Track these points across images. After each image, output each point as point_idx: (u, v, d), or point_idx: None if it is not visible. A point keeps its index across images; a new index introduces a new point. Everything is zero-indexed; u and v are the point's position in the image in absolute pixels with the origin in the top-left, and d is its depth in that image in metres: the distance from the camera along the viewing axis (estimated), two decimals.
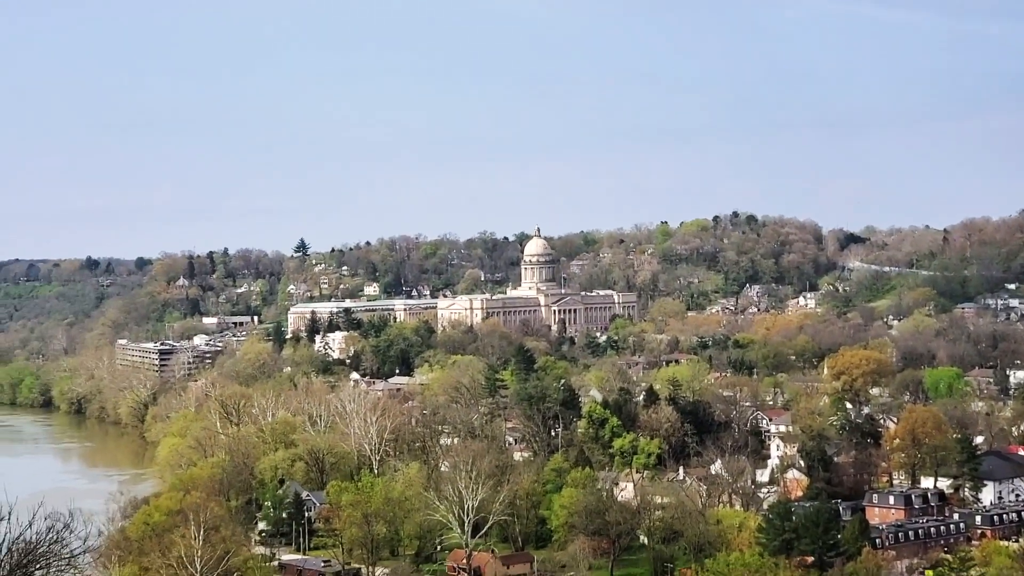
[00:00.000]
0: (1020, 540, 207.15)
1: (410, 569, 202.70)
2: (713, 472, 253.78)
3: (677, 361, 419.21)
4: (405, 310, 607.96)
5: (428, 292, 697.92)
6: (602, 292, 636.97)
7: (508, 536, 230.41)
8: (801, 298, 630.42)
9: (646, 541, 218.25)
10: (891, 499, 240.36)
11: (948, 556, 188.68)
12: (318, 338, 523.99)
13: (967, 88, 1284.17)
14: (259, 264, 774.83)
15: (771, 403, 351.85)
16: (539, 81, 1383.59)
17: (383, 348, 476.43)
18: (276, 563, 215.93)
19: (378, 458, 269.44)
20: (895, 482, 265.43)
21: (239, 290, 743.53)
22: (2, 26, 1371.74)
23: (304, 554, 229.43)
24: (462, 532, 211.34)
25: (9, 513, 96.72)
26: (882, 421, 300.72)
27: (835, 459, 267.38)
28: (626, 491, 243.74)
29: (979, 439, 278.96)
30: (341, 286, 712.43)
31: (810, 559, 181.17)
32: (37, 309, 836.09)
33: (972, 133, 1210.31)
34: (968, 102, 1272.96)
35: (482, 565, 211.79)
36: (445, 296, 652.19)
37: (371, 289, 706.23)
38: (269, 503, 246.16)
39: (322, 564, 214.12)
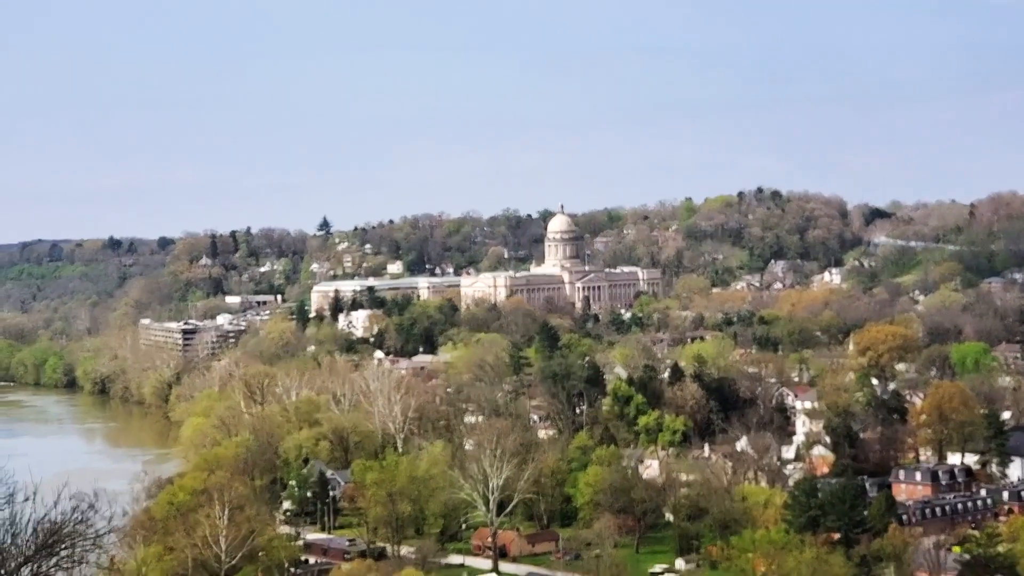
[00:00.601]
0: None
1: (435, 548, 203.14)
2: (739, 449, 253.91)
3: (702, 338, 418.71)
4: (428, 288, 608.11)
5: (451, 270, 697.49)
6: (626, 269, 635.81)
7: (533, 514, 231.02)
8: (826, 274, 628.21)
9: (672, 518, 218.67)
10: (918, 475, 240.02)
11: (975, 532, 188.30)
12: (341, 316, 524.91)
13: (994, 60, 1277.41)
14: (282, 243, 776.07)
15: (796, 379, 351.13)
16: (563, 57, 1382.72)
17: (407, 326, 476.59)
18: (301, 542, 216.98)
19: (402, 437, 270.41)
20: (922, 458, 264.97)
21: (262, 269, 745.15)
22: (23, 2, 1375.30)
23: (329, 533, 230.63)
24: (487, 511, 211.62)
25: (34, 493, 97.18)
26: (908, 397, 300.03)
27: (861, 435, 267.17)
28: (651, 469, 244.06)
29: (1006, 415, 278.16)
30: (364, 264, 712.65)
31: (836, 536, 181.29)
32: (60, 289, 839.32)
33: (1000, 106, 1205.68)
34: (995, 74, 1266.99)
35: (507, 543, 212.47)
36: (468, 274, 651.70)
37: (394, 267, 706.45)
38: (294, 482, 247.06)
39: (347, 543, 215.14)
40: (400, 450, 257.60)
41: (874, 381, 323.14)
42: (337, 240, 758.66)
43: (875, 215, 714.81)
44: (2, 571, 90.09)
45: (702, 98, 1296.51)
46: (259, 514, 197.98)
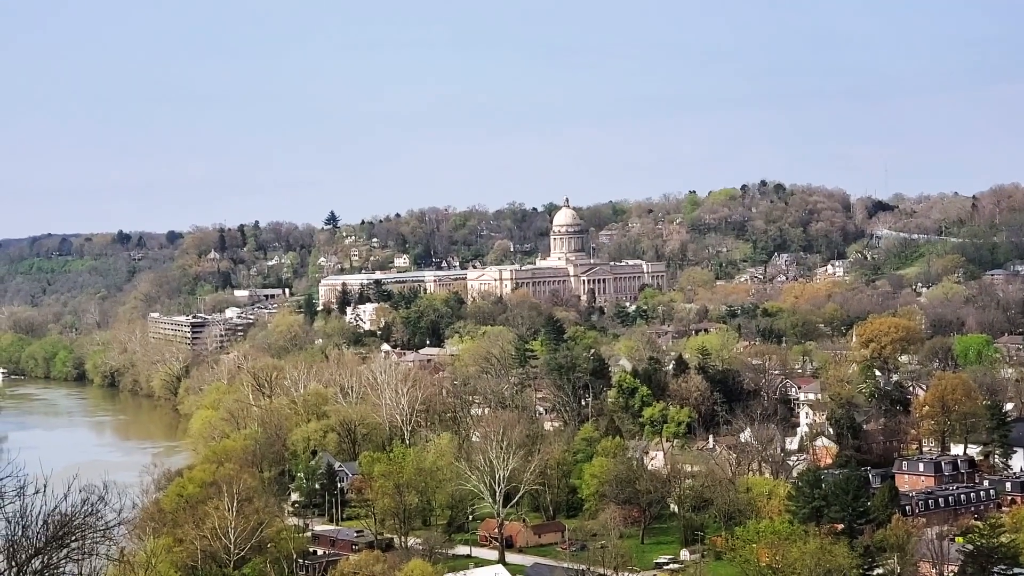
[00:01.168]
0: None
1: (442, 539, 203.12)
2: (742, 440, 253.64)
3: (706, 330, 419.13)
4: (435, 281, 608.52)
5: (458, 263, 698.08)
6: (631, 262, 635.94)
7: (539, 505, 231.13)
8: (829, 266, 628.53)
9: (676, 509, 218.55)
10: (921, 466, 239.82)
11: (978, 523, 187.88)
12: (349, 310, 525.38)
13: (997, 53, 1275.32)
14: (289, 237, 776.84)
15: (800, 371, 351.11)
16: (568, 51, 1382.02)
17: (413, 319, 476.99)
18: (309, 534, 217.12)
19: (409, 429, 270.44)
20: (924, 449, 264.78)
21: (270, 263, 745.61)
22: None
23: (337, 525, 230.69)
24: (493, 502, 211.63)
25: (45, 486, 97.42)
26: (911, 388, 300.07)
27: (864, 427, 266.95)
28: (656, 460, 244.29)
29: (1009, 406, 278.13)
30: (371, 258, 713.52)
31: (840, 526, 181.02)
32: (70, 283, 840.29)
33: (1002, 98, 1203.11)
34: (998, 67, 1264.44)
35: (513, 534, 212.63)
36: (475, 267, 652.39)
37: (401, 261, 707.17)
38: (302, 474, 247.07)
39: (355, 534, 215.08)
40: (407, 442, 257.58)
41: (877, 373, 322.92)
42: (344, 234, 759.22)
43: (878, 208, 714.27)
44: (14, 562, 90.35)
45: (706, 92, 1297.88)
46: (267, 506, 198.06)
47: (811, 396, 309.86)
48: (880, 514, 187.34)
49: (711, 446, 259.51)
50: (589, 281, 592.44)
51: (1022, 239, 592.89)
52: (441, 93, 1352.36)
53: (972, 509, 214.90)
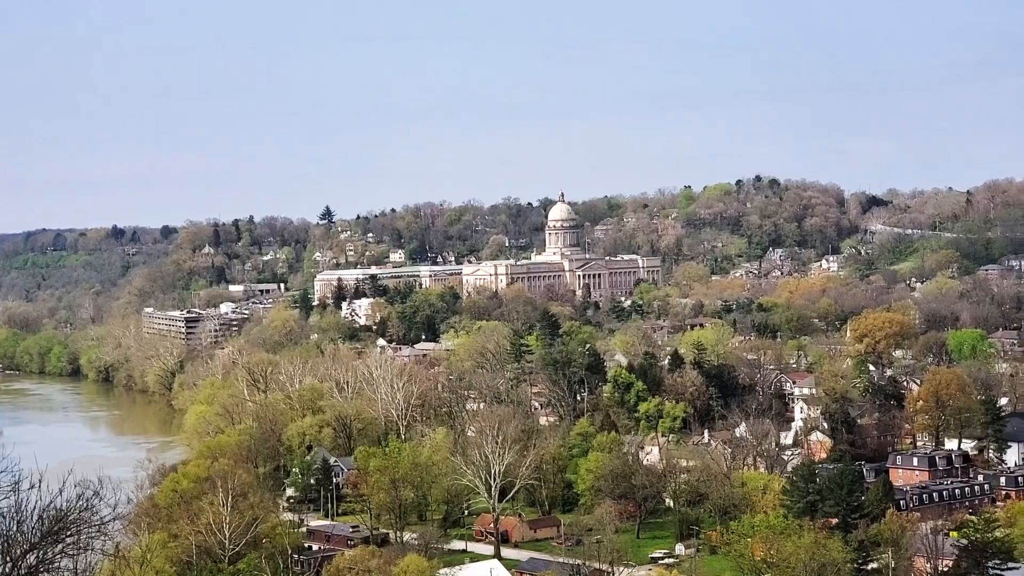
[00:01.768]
0: None
1: (438, 534, 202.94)
2: (738, 435, 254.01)
3: (701, 325, 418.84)
4: (430, 276, 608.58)
5: (453, 258, 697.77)
6: (626, 257, 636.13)
7: (535, 500, 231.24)
8: (824, 261, 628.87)
9: (672, 504, 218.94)
10: (915, 461, 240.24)
11: (973, 517, 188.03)
12: (344, 305, 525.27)
13: (990, 49, 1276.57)
14: (284, 232, 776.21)
15: (795, 366, 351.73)
16: (563, 44, 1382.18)
17: (409, 314, 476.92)
18: (304, 529, 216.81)
19: (405, 424, 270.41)
20: (919, 444, 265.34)
21: (265, 258, 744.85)
22: None
23: (332, 520, 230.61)
24: (489, 497, 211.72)
25: (40, 481, 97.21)
26: (905, 383, 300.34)
27: (858, 421, 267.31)
28: (652, 455, 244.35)
29: (1003, 400, 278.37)
30: (367, 253, 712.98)
31: (834, 521, 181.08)
32: (64, 278, 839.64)
33: (996, 93, 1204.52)
34: (993, 62, 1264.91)
35: (509, 529, 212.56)
36: (470, 262, 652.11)
37: (396, 256, 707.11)
38: (297, 469, 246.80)
39: (350, 530, 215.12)
40: (403, 437, 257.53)
41: (871, 367, 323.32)
42: (340, 229, 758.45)
43: (872, 203, 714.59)
44: (8, 557, 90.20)
45: (702, 87, 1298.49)
46: (262, 501, 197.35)
47: (805, 391, 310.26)
48: (874, 509, 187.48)
49: (706, 441, 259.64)
50: (584, 276, 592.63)
51: (1016, 234, 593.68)
52: (436, 87, 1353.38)
53: (966, 504, 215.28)
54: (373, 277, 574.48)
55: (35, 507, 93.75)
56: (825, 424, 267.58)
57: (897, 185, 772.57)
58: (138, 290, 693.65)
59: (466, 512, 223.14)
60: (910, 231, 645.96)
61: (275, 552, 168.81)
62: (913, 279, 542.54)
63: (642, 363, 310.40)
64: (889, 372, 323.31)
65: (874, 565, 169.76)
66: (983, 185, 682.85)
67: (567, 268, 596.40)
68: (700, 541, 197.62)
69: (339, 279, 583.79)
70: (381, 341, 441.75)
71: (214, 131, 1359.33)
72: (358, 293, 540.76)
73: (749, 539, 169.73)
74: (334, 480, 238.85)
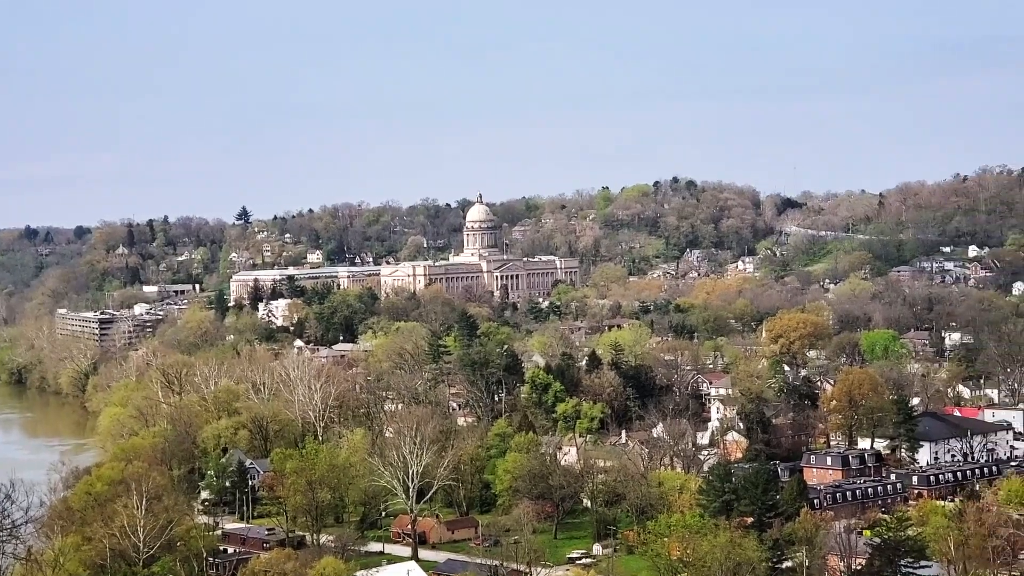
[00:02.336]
0: (956, 500, 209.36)
1: (355, 536, 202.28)
2: (655, 435, 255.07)
3: (619, 326, 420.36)
4: (348, 277, 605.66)
5: (371, 259, 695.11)
6: (544, 258, 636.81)
7: (452, 501, 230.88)
8: (740, 263, 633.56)
9: (589, 504, 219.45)
10: (828, 460, 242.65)
11: (885, 516, 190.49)
12: (261, 306, 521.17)
13: (903, 56, 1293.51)
14: (200, 232, 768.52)
15: (711, 366, 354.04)
16: (479, 46, 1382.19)
17: (326, 315, 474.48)
18: (219, 532, 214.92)
19: (322, 425, 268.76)
20: (832, 443, 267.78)
21: (180, 258, 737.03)
22: None
23: (248, 522, 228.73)
24: (407, 498, 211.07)
25: None
26: (819, 383, 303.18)
27: (773, 421, 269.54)
28: (569, 455, 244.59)
29: (915, 400, 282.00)
30: (284, 254, 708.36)
31: (749, 520, 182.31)
32: None
33: (908, 99, 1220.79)
34: (904, 70, 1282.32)
35: (427, 530, 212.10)
36: (388, 263, 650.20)
37: (314, 256, 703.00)
38: (212, 472, 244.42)
39: (266, 532, 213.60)
40: (320, 438, 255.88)
41: (786, 368, 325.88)
42: (256, 229, 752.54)
43: (787, 205, 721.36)
44: None
45: (619, 88, 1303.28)
46: (177, 504, 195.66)
47: (722, 391, 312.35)
48: (789, 507, 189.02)
49: (624, 441, 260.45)
50: (502, 277, 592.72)
51: (928, 236, 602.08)
52: (353, 88, 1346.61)
53: (879, 503, 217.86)
54: (290, 278, 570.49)
55: None
56: (741, 424, 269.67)
57: (811, 187, 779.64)
58: (51, 291, 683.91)
59: (383, 514, 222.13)
60: (824, 233, 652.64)
61: (190, 555, 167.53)
62: (827, 280, 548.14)
63: (560, 364, 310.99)
64: (803, 372, 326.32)
65: (788, 564, 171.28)
66: (895, 188, 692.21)
67: (485, 269, 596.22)
68: (617, 541, 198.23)
69: (256, 280, 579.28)
70: (298, 342, 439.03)
71: (128, 130, 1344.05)
72: (275, 294, 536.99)
73: (666, 539, 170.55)
74: (250, 482, 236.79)
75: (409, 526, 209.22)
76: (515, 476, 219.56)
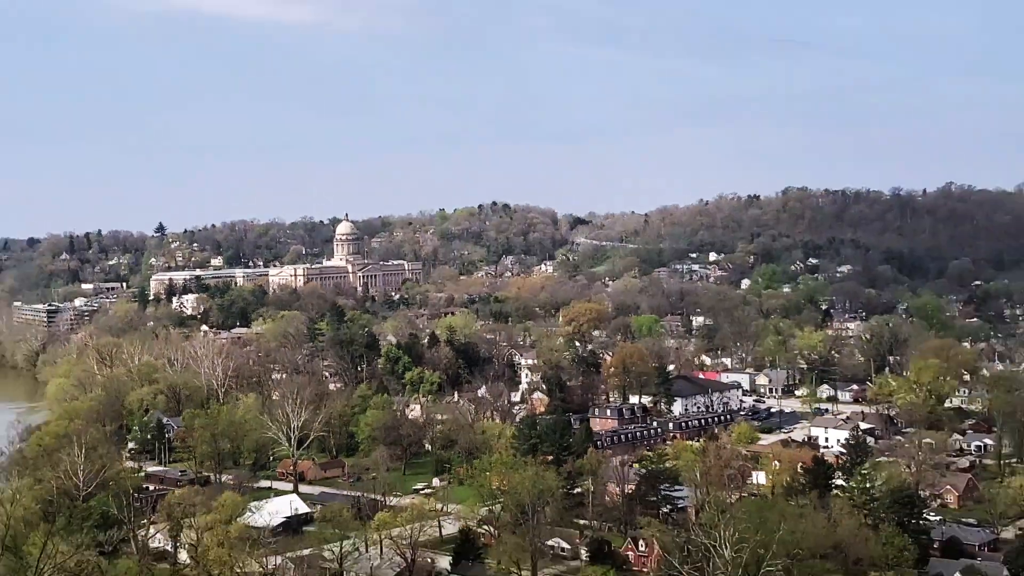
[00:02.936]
0: (701, 440, 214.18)
1: (249, 475, 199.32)
2: (479, 395, 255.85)
3: (452, 313, 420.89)
4: (243, 277, 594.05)
5: (262, 263, 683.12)
6: (396, 262, 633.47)
7: (325, 447, 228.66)
8: (543, 265, 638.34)
9: (430, 448, 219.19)
10: (608, 412, 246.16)
11: (649, 453, 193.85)
12: (175, 299, 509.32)
13: (659, 109, 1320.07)
14: (126, 242, 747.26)
15: (522, 343, 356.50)
16: (344, 101, 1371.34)
17: (227, 306, 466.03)
18: (143, 474, 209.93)
19: (223, 390, 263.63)
20: (611, 399, 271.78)
21: (111, 262, 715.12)
22: None
23: (165, 466, 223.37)
24: (289, 445, 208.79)
25: None
26: (601, 355, 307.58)
27: (567, 383, 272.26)
28: (415, 411, 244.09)
29: (671, 367, 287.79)
30: (192, 259, 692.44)
31: (550, 458, 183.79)
32: None
33: (664, 143, 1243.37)
34: (662, 120, 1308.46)
35: (305, 470, 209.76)
36: (275, 266, 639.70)
37: (216, 261, 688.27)
38: (137, 427, 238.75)
39: (180, 473, 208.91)
40: (221, 401, 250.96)
41: (577, 344, 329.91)
42: (171, 240, 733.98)
43: (577, 222, 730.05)
44: None
45: (451, 133, 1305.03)
46: (109, 452, 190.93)
47: (530, 361, 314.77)
48: (579, 448, 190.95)
49: (456, 400, 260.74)
50: (364, 276, 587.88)
51: (680, 245, 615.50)
52: (251, 133, 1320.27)
53: (645, 443, 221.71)
54: (198, 278, 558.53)
55: None
56: (544, 386, 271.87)
57: (596, 208, 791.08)
58: (9, 288, 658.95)
59: (271, 458, 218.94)
60: (605, 243, 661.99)
61: (120, 492, 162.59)
62: (607, 278, 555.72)
63: (408, 342, 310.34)
64: (590, 347, 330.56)
65: (579, 490, 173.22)
66: (656, 210, 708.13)
67: (351, 271, 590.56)
68: (451, 475, 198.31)
69: (170, 279, 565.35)
70: (204, 327, 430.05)
71: (71, 162, 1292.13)
72: (186, 290, 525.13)
73: (488, 473, 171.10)
74: (166, 435, 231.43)
75: (291, 467, 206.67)
76: (373, 427, 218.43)
